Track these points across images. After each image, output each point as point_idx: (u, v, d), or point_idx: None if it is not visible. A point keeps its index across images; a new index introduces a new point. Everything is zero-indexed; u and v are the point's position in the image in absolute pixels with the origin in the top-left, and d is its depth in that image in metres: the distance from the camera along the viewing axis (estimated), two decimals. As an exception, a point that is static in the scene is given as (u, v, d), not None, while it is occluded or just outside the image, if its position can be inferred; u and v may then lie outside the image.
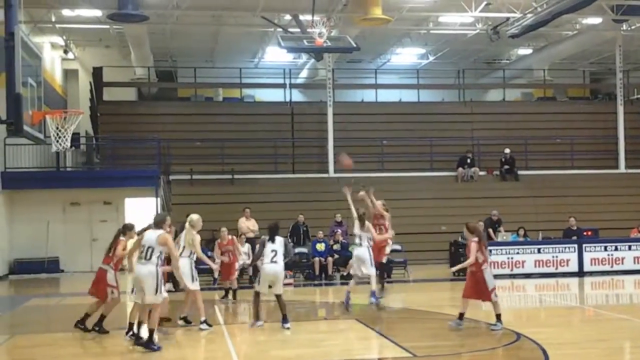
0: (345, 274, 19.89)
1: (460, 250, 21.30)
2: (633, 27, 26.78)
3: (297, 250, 20.41)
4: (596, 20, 26.19)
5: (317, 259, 20.16)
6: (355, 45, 21.72)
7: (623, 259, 20.24)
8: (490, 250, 19.99)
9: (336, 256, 20.31)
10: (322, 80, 28.75)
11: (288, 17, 23.98)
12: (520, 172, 27.08)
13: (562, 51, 30.36)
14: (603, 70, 34.93)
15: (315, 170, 26.79)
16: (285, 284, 12.85)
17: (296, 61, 32.50)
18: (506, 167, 27.03)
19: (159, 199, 23.08)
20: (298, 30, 22.57)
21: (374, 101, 30.96)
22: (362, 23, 22.47)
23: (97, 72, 28.40)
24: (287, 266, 13.81)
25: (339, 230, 20.80)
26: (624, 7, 23.71)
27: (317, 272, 20.09)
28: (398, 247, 21.65)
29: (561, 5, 21.19)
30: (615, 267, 20.13)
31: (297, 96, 32.46)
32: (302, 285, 19.48)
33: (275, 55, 30.45)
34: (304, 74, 33.45)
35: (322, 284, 19.73)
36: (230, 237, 16.24)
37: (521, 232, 21.38)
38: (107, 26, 25.26)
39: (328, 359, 9.78)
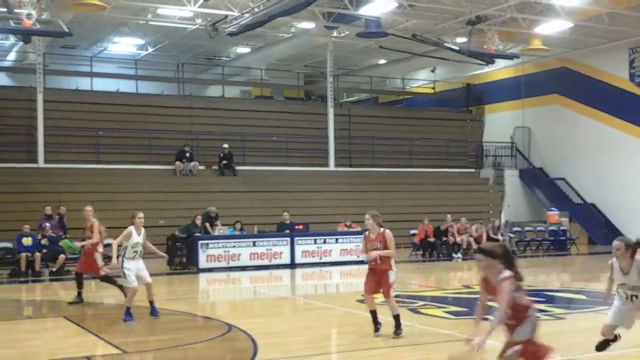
0: (54, 269, 18.78)
1: (178, 244, 21.15)
2: (342, 35, 28.57)
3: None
4: (309, 25, 27.43)
5: (23, 254, 18.77)
6: (67, 30, 20.77)
7: (331, 251, 21.52)
8: (207, 244, 20.28)
9: (44, 251, 19.11)
10: (31, 65, 26.80)
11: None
12: (238, 168, 27.61)
13: (278, 52, 31.54)
14: (316, 74, 36.88)
15: (22, 160, 24.94)
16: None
17: (3, 43, 30.04)
18: (224, 162, 27.38)
19: None
20: (4, 10, 20.86)
21: (90, 90, 29.58)
22: (75, 8, 21.41)
23: None
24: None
25: (48, 224, 19.60)
26: (334, 14, 25.16)
27: (23, 269, 18.72)
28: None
29: (276, 8, 21.90)
30: (324, 259, 21.33)
31: (3, 80, 30.11)
32: (6, 282, 18.05)
33: (-21, 35, 27.90)
34: (12, 56, 31.05)
35: (29, 281, 18.43)
36: None
37: (238, 225, 21.77)
38: None
39: (32, 361, 9.09)
